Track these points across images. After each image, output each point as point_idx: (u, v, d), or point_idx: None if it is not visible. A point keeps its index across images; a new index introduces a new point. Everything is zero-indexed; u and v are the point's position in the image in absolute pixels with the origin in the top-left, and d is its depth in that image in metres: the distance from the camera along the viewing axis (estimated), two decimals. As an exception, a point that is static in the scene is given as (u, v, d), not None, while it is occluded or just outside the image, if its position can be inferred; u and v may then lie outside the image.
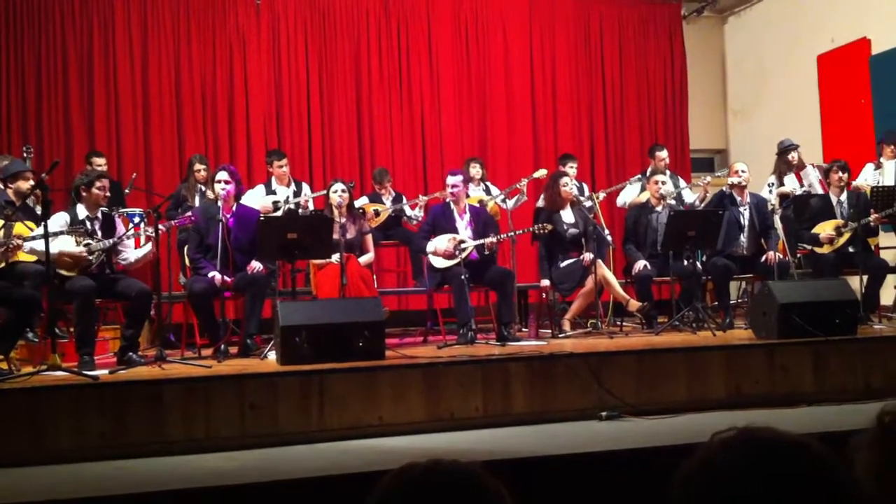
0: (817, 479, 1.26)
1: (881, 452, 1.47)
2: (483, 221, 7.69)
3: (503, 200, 8.93)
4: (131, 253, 6.69)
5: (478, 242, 7.42)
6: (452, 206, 7.67)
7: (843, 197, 8.22)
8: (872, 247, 8.46)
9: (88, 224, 6.43)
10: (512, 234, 7.63)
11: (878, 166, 9.03)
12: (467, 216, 7.65)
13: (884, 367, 6.28)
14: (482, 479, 1.36)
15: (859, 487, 1.32)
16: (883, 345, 6.52)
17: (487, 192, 9.20)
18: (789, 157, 9.26)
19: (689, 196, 9.17)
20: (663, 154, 9.32)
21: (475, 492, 1.34)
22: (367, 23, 10.92)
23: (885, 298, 8.32)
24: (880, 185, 8.65)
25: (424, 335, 8.13)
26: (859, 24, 10.46)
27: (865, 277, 7.75)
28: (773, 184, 8.94)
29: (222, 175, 7.03)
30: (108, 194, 6.61)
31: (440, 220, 7.62)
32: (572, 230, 7.97)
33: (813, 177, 9.11)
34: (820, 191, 8.81)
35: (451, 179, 7.69)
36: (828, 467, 1.28)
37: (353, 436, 5.20)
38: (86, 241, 6.30)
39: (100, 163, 8.69)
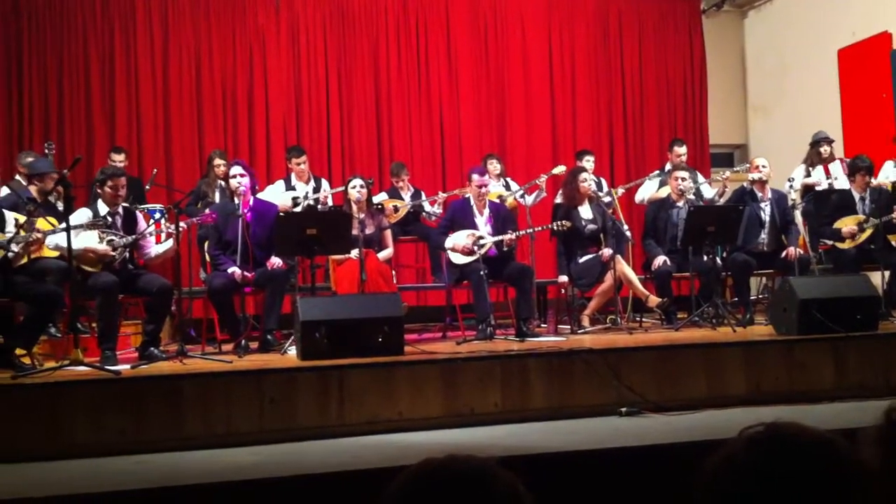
0: (842, 476, 1.26)
1: (887, 449, 1.46)
2: (502, 218, 7.68)
3: (522, 196, 8.92)
4: (153, 248, 6.73)
5: (496, 238, 7.41)
6: (472, 201, 7.66)
7: (866, 193, 8.16)
8: (893, 243, 8.39)
9: (110, 219, 6.45)
10: (531, 230, 7.63)
11: None
12: (487, 212, 7.64)
13: (905, 363, 6.24)
14: (497, 473, 1.36)
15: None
16: (904, 341, 6.48)
17: (507, 187, 9.19)
18: (821, 149, 9.22)
19: (708, 191, 9.13)
20: (682, 150, 9.29)
21: (490, 486, 1.35)
22: (385, 20, 10.93)
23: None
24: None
25: (443, 331, 8.15)
26: (880, 17, 10.37)
27: (887, 273, 7.69)
28: (793, 178, 8.90)
29: (237, 170, 7.07)
30: (121, 193, 6.55)
31: (459, 216, 7.62)
32: (590, 226, 7.95)
33: (840, 172, 9.06)
34: (845, 186, 8.76)
35: (479, 179, 7.64)
36: (852, 465, 1.28)
37: (371, 431, 5.21)
38: (109, 238, 6.33)
39: (116, 159, 8.76)
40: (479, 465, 1.37)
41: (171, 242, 6.64)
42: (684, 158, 9.23)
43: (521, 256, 8.29)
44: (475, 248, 7.33)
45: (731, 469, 1.29)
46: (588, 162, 9.15)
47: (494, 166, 9.26)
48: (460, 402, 5.50)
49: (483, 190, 7.63)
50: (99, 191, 6.53)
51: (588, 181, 8.08)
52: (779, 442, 1.29)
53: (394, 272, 7.98)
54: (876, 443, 1.47)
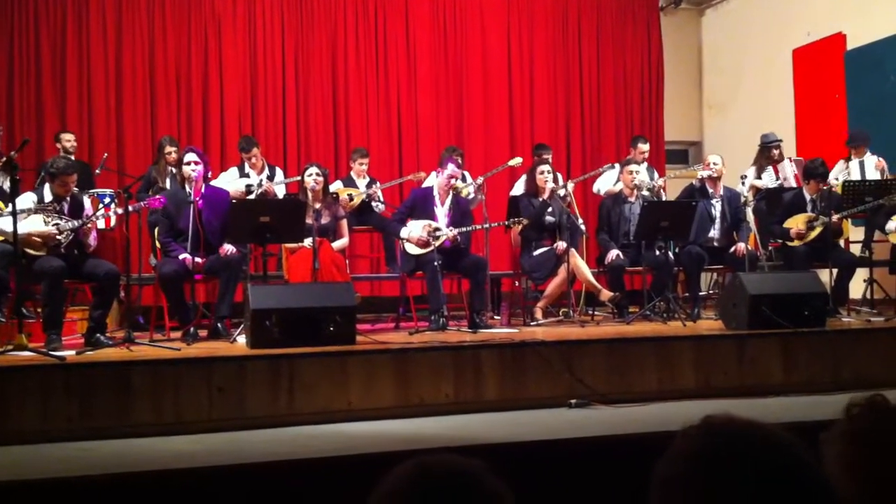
0: (788, 469, 1.26)
1: (850, 444, 1.47)
2: (462, 212, 7.65)
3: (478, 189, 8.88)
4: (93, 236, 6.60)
5: (452, 231, 7.39)
6: (436, 191, 7.62)
7: (817, 196, 8.22)
8: (841, 242, 8.48)
9: (56, 205, 6.33)
10: (487, 225, 7.61)
11: (847, 162, 9.10)
12: (448, 204, 7.60)
13: (852, 359, 6.33)
14: (487, 479, 1.33)
15: (827, 480, 1.31)
16: (851, 337, 6.58)
17: (463, 179, 9.16)
18: (772, 152, 9.30)
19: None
20: (645, 147, 9.33)
21: (480, 493, 1.31)
22: (344, 8, 10.86)
23: (855, 292, 8.38)
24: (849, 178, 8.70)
25: (396, 321, 8.12)
26: (835, 18, 10.51)
27: (835, 271, 7.80)
28: (745, 176, 8.98)
29: (190, 156, 6.97)
30: (69, 187, 6.47)
31: (420, 204, 7.57)
32: (548, 218, 7.96)
33: (789, 171, 9.16)
34: (794, 184, 8.86)
35: (454, 169, 7.60)
36: (799, 458, 1.28)
37: (322, 420, 5.17)
38: (55, 221, 6.22)
39: (67, 138, 8.66)
40: (467, 470, 1.34)
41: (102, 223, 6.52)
42: (646, 155, 9.27)
43: (476, 248, 8.28)
44: (431, 239, 7.30)
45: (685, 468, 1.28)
46: (546, 157, 9.14)
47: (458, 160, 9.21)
48: (412, 392, 5.48)
49: (453, 181, 7.61)
50: (49, 183, 6.40)
51: (545, 174, 8.07)
52: (719, 437, 1.29)
53: (347, 262, 7.93)
54: (838, 439, 1.48)
